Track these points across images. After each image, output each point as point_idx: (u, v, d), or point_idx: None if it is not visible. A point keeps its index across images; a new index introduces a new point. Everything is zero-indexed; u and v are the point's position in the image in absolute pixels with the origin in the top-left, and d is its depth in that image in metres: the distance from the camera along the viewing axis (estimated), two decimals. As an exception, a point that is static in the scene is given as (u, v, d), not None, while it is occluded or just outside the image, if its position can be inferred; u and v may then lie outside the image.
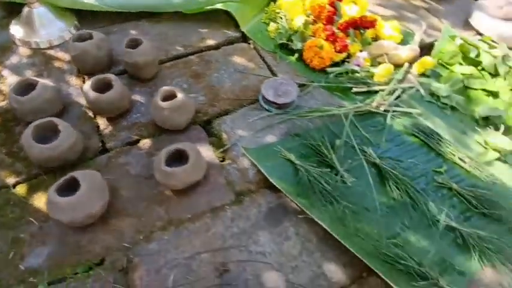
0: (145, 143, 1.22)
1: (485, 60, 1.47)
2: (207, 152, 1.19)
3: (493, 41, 1.62)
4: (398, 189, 1.09)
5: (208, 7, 1.61)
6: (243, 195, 1.10)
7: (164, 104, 1.15)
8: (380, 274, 0.86)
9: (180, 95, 1.17)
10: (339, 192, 1.06)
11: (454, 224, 1.02)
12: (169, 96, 1.19)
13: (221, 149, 1.20)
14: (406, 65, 1.50)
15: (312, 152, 1.16)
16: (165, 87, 1.20)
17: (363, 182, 1.10)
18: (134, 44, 1.33)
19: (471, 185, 1.14)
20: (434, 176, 1.15)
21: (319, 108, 1.29)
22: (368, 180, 1.11)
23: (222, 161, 1.19)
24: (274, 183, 1.04)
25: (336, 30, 1.47)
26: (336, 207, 1.02)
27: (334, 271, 0.96)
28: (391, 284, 0.84)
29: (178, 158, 1.05)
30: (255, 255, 0.98)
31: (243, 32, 1.64)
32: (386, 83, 1.45)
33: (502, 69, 1.45)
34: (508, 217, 1.05)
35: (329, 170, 1.13)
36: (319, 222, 0.95)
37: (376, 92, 1.41)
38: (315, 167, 1.12)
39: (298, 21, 1.55)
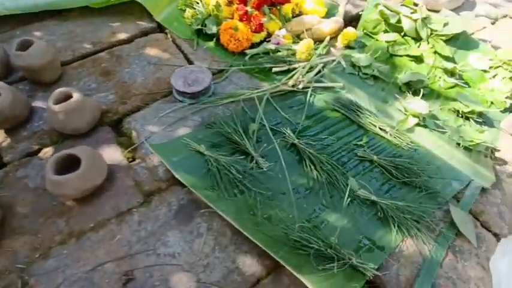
0: (47, 151, 1.13)
1: (406, 25, 1.44)
2: (114, 154, 1.11)
3: (415, 4, 1.60)
4: (316, 168, 1.05)
5: (116, -1, 1.51)
6: (152, 195, 1.03)
7: (57, 107, 1.06)
8: (282, 262, 0.80)
9: (76, 96, 1.08)
10: (252, 180, 1.01)
11: (373, 198, 0.98)
12: (65, 98, 1.10)
13: (129, 149, 1.12)
14: (327, 38, 1.45)
15: (225, 141, 1.10)
16: (60, 89, 1.11)
17: (281, 165, 1.05)
18: (26, 45, 1.22)
19: (392, 154, 1.11)
20: (354, 149, 1.11)
21: (233, 93, 1.23)
22: (286, 164, 1.05)
23: (131, 161, 1.11)
24: (180, 178, 0.97)
25: (250, 10, 1.40)
26: (247, 196, 0.96)
27: (249, 264, 0.91)
28: (293, 272, 0.79)
29: (73, 164, 0.97)
30: (164, 258, 0.92)
31: (159, 22, 1.55)
32: (309, 60, 1.39)
33: (423, 33, 1.42)
34: (428, 183, 1.03)
35: (243, 157, 1.07)
36: (222, 214, 0.89)
37: (298, 70, 1.35)
38: (228, 155, 1.06)
39: (211, 3, 1.48)
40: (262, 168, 1.04)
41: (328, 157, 1.08)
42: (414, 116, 1.15)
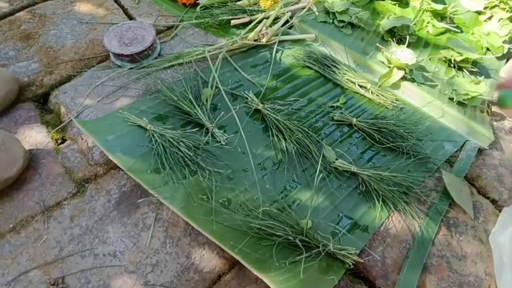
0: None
1: (388, -40, 1.28)
2: (38, 135, 0.96)
3: None
4: (284, 138, 0.92)
5: None
6: (86, 182, 0.90)
7: (-45, 82, 0.88)
8: (239, 259, 0.69)
9: (-21, 66, 0.91)
10: (207, 157, 0.87)
11: (353, 169, 0.87)
12: (-33, 70, 0.92)
13: (57, 128, 0.96)
14: (296, -19, 1.29)
15: (173, 111, 0.96)
16: (-41, 58, 0.93)
17: (242, 137, 0.92)
18: None
19: (374, 115, 0.99)
20: (330, 112, 0.99)
21: (182, 53, 1.07)
22: (249, 135, 0.92)
23: (60, 143, 0.96)
24: (115, 161, 0.83)
25: (200, -51, 1.21)
26: (200, 177, 0.83)
27: (207, 258, 0.80)
28: (252, 270, 0.68)
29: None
30: (103, 258, 0.80)
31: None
32: (274, 8, 1.23)
33: (408, -31, 1.27)
34: (416, 147, 0.92)
35: (196, 129, 0.93)
36: (165, 203, 0.76)
37: (261, 21, 1.19)
38: (177, 128, 0.91)
39: None
40: (219, 142, 0.91)
41: (299, 123, 0.96)
42: (399, 68, 1.03)
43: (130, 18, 1.24)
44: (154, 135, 0.89)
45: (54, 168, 0.91)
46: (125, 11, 1.26)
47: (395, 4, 1.29)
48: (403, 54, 1.02)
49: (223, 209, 0.78)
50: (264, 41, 1.10)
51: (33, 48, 1.14)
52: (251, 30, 1.16)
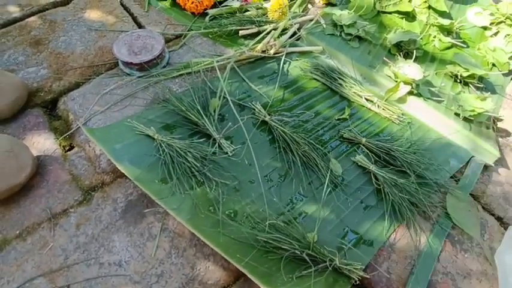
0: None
1: (395, -26, 1.28)
2: (46, 142, 0.96)
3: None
4: (291, 150, 0.91)
5: (45, -51, 1.29)
6: (93, 190, 0.89)
7: (-35, 87, 0.88)
8: (246, 272, 0.68)
9: (-11, 72, 0.91)
10: (214, 167, 0.87)
11: (372, 168, 0.86)
12: (-23, 75, 0.92)
13: (65, 135, 0.96)
14: (304, -7, 1.29)
15: (181, 121, 0.95)
16: (-31, 64, 0.93)
17: (249, 148, 0.91)
18: None
19: (380, 130, 0.99)
20: (337, 125, 0.98)
21: (190, 63, 1.06)
22: (256, 146, 0.92)
23: (67, 150, 0.96)
24: (123, 170, 0.82)
25: (210, -41, 1.21)
26: (206, 188, 0.82)
27: (213, 270, 0.79)
28: (259, 284, 0.68)
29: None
30: (108, 267, 0.79)
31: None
32: (282, 20, 1.23)
33: (415, -16, 1.27)
34: (422, 162, 0.91)
35: (204, 140, 0.93)
36: (172, 214, 0.76)
37: (269, 32, 1.19)
38: (185, 138, 0.91)
39: (165, -46, 1.28)
40: (226, 153, 0.91)
41: (306, 136, 0.95)
42: (406, 83, 1.02)
43: (140, 26, 1.24)
44: (162, 144, 0.88)
45: (61, 175, 0.91)
46: (134, 19, 1.26)
47: (402, 18, 1.28)
48: (410, 69, 1.02)
49: (229, 221, 0.78)
50: (271, 52, 1.10)
51: (42, 54, 1.14)
52: (259, 41, 1.16)
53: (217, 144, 0.92)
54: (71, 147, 0.97)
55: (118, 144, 0.89)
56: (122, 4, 1.30)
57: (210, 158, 0.89)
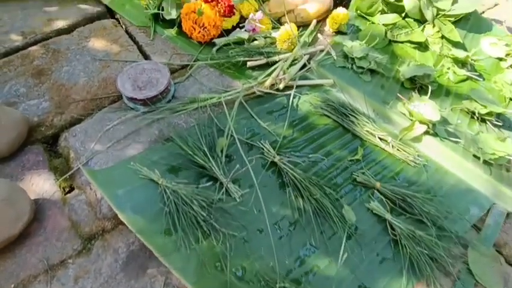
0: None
1: (408, 4, 1.23)
2: (46, 183, 0.90)
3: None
4: (301, 195, 0.85)
5: (49, -24, 1.24)
6: (93, 238, 0.83)
7: (-39, 128, 0.82)
8: None
9: (-12, 110, 0.85)
10: (221, 215, 0.81)
11: (388, 217, 0.80)
12: (-25, 114, 0.86)
13: (64, 176, 0.90)
14: (314, 22, 1.23)
15: (187, 162, 0.89)
16: (-33, 102, 0.87)
17: (259, 194, 0.85)
18: None
19: (395, 172, 0.92)
20: (349, 167, 0.92)
21: (198, 98, 1.01)
22: (265, 190, 0.86)
23: (68, 192, 0.90)
24: (125, 221, 0.76)
25: (218, -12, 1.16)
26: (213, 241, 0.76)
27: (218, 330, 0.72)
28: None
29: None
30: (107, 327, 0.72)
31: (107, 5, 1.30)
32: (292, 50, 1.17)
33: (428, 14, 1.21)
34: (441, 208, 0.84)
35: (211, 183, 0.86)
36: (177, 275, 0.69)
37: (278, 63, 1.13)
38: (191, 183, 0.85)
39: (171, -19, 1.23)
40: (233, 198, 0.84)
41: (317, 178, 0.89)
42: (422, 122, 0.96)
43: (145, 55, 1.18)
44: (167, 191, 0.82)
45: (60, 221, 0.85)
46: (139, 48, 1.20)
47: (414, 48, 1.22)
48: (426, 109, 0.95)
49: (237, 282, 0.71)
50: (281, 86, 1.05)
51: (44, 86, 1.09)
52: (268, 74, 1.10)
53: (224, 188, 0.86)
54: (71, 189, 0.91)
55: (120, 190, 0.83)
56: (127, 32, 1.25)
57: (216, 206, 0.83)
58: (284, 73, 1.07)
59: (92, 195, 0.88)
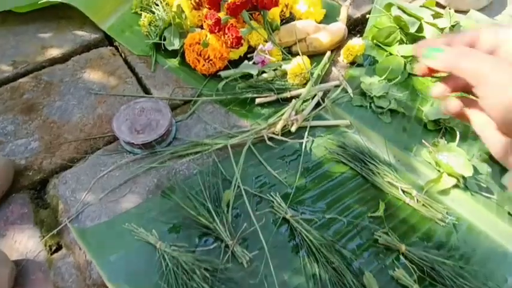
0: None
1: (429, 35, 1.13)
2: (29, 241, 0.80)
3: (439, 4, 1.28)
4: (316, 260, 0.75)
5: (44, 0, 1.15)
6: (81, 310, 0.72)
7: None
8: None
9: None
10: (227, 285, 0.71)
11: None
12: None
13: (51, 233, 0.80)
14: (328, 54, 1.14)
15: (189, 220, 0.79)
16: None
17: (271, 257, 0.75)
18: None
19: (422, 233, 0.82)
20: (369, 224, 0.82)
21: (201, 142, 0.91)
22: (276, 253, 0.76)
23: (55, 251, 0.80)
24: (116, 296, 0.67)
25: (224, 17, 1.07)
26: (217, 322, 0.66)
27: None
28: None
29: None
30: None
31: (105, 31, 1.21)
32: (304, 84, 1.08)
33: (452, 46, 1.11)
34: (473, 280, 0.74)
35: (215, 245, 0.77)
36: None
37: (291, 99, 1.04)
38: (193, 243, 0.75)
39: (174, 7, 1.14)
40: (241, 263, 0.74)
41: (334, 239, 0.79)
42: (450, 175, 0.86)
43: (145, 89, 1.09)
44: (166, 257, 0.72)
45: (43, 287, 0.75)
46: (139, 80, 1.11)
47: (435, 82, 1.12)
48: (457, 161, 0.85)
49: None
50: (293, 129, 0.95)
51: (34, 123, 1.00)
52: (280, 109, 1.00)
53: (230, 251, 0.76)
54: (59, 247, 0.82)
55: (113, 255, 0.73)
56: (126, 62, 1.16)
57: (220, 274, 0.73)
58: (296, 113, 0.98)
59: (81, 256, 0.78)
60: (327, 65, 1.15)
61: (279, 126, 0.93)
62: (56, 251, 0.81)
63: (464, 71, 0.40)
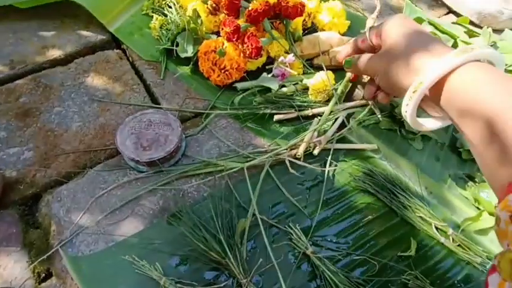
0: None
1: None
2: (16, 267, 0.72)
3: (471, 22, 1.20)
4: (342, 307, 0.66)
5: (48, -4, 1.08)
6: None
7: None
8: None
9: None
10: (239, 336, 0.62)
11: None
12: None
13: (40, 259, 0.71)
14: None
15: (198, 252, 0.70)
16: None
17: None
18: None
19: (459, 278, 0.73)
20: (398, 264, 0.74)
21: (212, 162, 0.83)
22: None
23: (43, 279, 0.71)
24: None
25: (244, 24, 0.99)
26: None
27: None
28: None
29: None
30: None
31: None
32: (327, 101, 1.00)
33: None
34: None
35: (228, 282, 0.68)
36: None
37: (312, 117, 0.96)
38: (201, 279, 0.66)
39: (189, 11, 1.06)
40: (255, 306, 0.65)
41: (361, 281, 0.70)
42: (491, 213, 0.77)
43: (153, 98, 1.01)
44: (170, 297, 0.63)
45: (28, 324, 0.66)
46: (147, 88, 1.03)
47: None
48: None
49: None
50: (316, 152, 0.86)
51: (30, 130, 0.91)
52: (301, 128, 0.92)
53: (243, 292, 0.67)
54: (48, 274, 0.73)
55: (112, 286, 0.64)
56: (133, 67, 1.07)
57: (232, 316, 0.64)
58: (319, 134, 0.89)
59: (73, 285, 0.69)
60: (350, 83, 1.07)
61: (301, 149, 0.85)
62: (45, 279, 0.72)
63: (365, 72, 0.74)
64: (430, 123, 0.68)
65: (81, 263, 0.68)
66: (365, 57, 0.72)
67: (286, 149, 0.86)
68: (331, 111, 0.96)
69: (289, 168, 0.84)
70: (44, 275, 0.72)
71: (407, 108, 0.61)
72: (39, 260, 0.72)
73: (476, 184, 0.83)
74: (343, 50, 0.83)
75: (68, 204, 0.79)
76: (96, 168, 0.85)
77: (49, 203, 0.80)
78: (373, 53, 0.71)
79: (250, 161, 0.84)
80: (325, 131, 0.92)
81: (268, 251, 0.72)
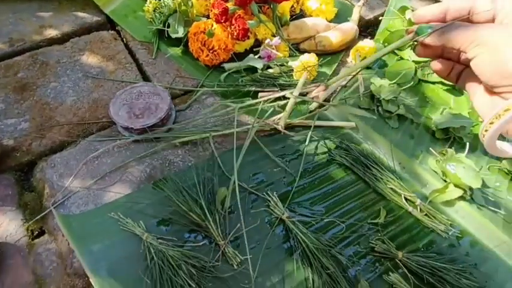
0: None
1: (444, 41, 1.11)
2: (11, 224, 0.78)
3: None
4: (311, 264, 0.73)
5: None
6: (59, 301, 0.70)
7: None
8: None
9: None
10: (213, 285, 0.68)
11: None
12: None
13: (34, 219, 0.78)
14: (340, 57, 1.11)
15: (180, 215, 0.77)
16: None
17: (264, 258, 0.73)
18: None
19: (423, 244, 0.80)
20: (368, 231, 0.80)
21: (198, 131, 0.89)
22: (269, 254, 0.74)
23: (37, 236, 0.78)
24: (96, 286, 0.64)
25: (232, 7, 1.05)
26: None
27: None
28: None
29: None
30: None
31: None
32: (312, 82, 1.06)
33: (466, 54, 1.09)
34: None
35: (206, 242, 0.74)
36: None
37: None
38: (182, 238, 0.73)
39: (181, -6, 1.12)
40: (232, 266, 0.72)
41: (331, 244, 0.76)
42: (457, 186, 0.84)
43: (144, 76, 1.07)
44: (151, 249, 0.70)
45: (22, 274, 0.73)
46: (139, 67, 1.09)
47: (447, 90, 1.10)
48: (465, 172, 0.83)
49: None
50: (312, 107, 0.92)
51: (26, 103, 0.97)
52: (282, 107, 0.98)
53: (220, 252, 0.73)
54: (41, 232, 0.79)
55: (96, 245, 0.71)
56: (127, 47, 1.14)
57: (208, 271, 0.70)
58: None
59: (63, 244, 0.76)
60: (335, 65, 1.13)
61: (281, 122, 0.91)
62: (38, 236, 0.79)
63: (454, 42, 0.46)
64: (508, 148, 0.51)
65: (72, 221, 0.74)
66: (463, 25, 0.47)
67: (274, 121, 0.92)
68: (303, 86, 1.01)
69: (279, 128, 0.90)
70: (37, 232, 0.79)
71: (489, 127, 0.44)
72: (34, 219, 0.78)
73: (444, 158, 0.89)
74: (423, 11, 0.54)
75: (61, 170, 0.86)
76: (88, 139, 0.92)
77: (43, 169, 0.86)
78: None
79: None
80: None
81: (246, 215, 0.78)
